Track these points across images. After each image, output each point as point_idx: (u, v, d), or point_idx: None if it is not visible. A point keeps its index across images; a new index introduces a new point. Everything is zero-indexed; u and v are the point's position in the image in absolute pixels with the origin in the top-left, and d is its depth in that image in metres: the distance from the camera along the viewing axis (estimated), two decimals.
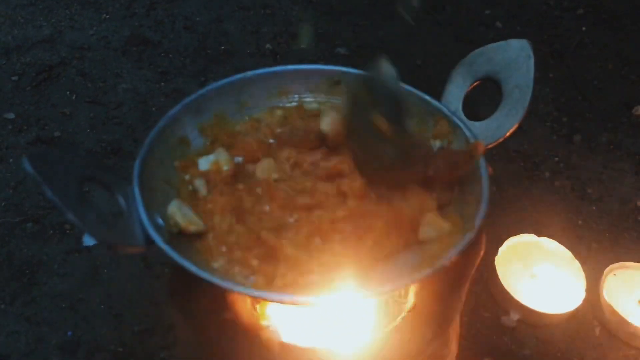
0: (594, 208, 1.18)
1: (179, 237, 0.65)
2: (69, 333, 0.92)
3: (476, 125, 0.73)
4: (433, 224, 0.66)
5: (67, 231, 1.05)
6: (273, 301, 0.58)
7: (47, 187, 0.54)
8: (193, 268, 0.58)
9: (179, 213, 0.66)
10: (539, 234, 1.07)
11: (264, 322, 0.71)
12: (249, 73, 0.80)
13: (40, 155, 0.58)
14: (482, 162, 0.69)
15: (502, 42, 0.73)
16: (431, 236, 0.66)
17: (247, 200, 0.67)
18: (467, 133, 0.72)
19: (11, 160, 1.17)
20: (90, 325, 0.93)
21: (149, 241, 0.60)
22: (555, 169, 1.26)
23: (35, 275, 0.99)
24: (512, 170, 1.24)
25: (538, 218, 1.15)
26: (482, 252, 0.73)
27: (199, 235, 0.66)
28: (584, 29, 1.59)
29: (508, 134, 0.71)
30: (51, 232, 1.05)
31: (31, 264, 1.00)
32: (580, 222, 1.16)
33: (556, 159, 1.28)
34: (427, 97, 0.76)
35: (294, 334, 0.70)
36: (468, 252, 0.70)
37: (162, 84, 1.37)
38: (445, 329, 0.72)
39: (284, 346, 0.67)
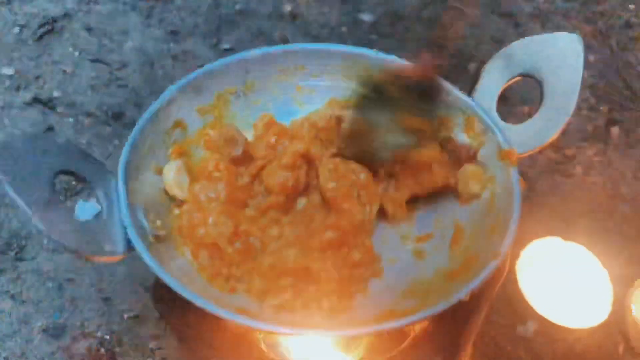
0: (627, 209, 1.09)
1: (166, 240, 0.58)
2: (55, 315, 0.87)
3: (511, 129, 0.64)
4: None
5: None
6: (262, 330, 0.51)
7: (9, 185, 0.47)
8: (174, 284, 0.51)
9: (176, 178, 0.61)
10: (566, 237, 0.99)
11: (257, 337, 0.64)
12: (257, 51, 0.71)
13: (8, 145, 0.51)
14: (514, 174, 0.61)
15: (548, 35, 0.63)
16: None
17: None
18: (500, 137, 0.63)
19: (6, 120, 1.10)
20: (78, 308, 0.88)
21: (130, 247, 0.54)
22: (589, 164, 1.16)
23: (24, 250, 0.93)
24: (541, 162, 1.15)
25: (566, 218, 1.06)
26: (505, 272, 0.65)
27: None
28: (631, 7, 1.46)
29: (546, 143, 0.63)
30: None
31: (20, 236, 0.94)
32: (611, 224, 1.07)
33: (590, 152, 1.18)
34: (457, 92, 0.67)
35: (290, 351, 0.64)
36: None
37: (172, 44, 1.29)
38: (456, 357, 0.65)
39: None
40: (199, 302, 0.49)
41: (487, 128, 0.64)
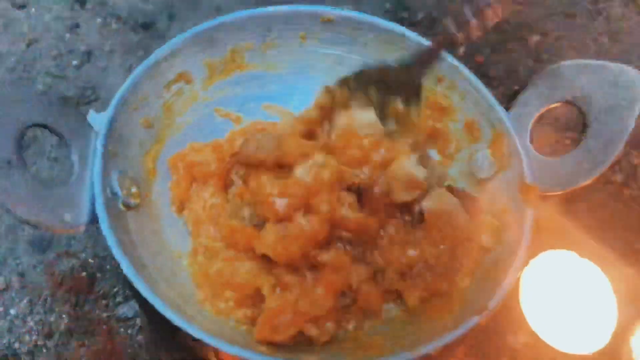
0: None
1: (140, 209, 0.54)
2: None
3: (541, 161, 0.57)
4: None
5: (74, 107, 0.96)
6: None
7: None
8: (133, 276, 0.47)
9: None
10: (583, 253, 0.92)
11: None
12: (283, 8, 0.64)
13: None
14: (528, 218, 0.54)
15: (608, 64, 0.54)
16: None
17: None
18: (525, 168, 0.56)
19: (33, 9, 1.06)
20: None
21: (96, 217, 0.50)
22: (631, 174, 1.07)
23: (25, 154, 0.91)
24: None
25: (589, 231, 0.99)
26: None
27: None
28: None
29: (576, 186, 0.55)
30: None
31: (24, 136, 0.92)
32: (638, 246, 0.99)
33: (636, 161, 1.08)
34: (492, 100, 0.60)
35: None
36: None
37: None
38: None
39: None
40: (142, 291, 0.46)
41: (513, 151, 0.57)
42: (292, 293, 0.51)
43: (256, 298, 0.52)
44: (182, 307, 0.49)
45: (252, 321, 0.52)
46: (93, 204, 0.49)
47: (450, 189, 0.59)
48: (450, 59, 0.61)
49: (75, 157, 0.50)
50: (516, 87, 0.63)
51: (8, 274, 0.82)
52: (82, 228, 0.49)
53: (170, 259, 0.54)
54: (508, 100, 0.60)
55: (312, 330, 0.51)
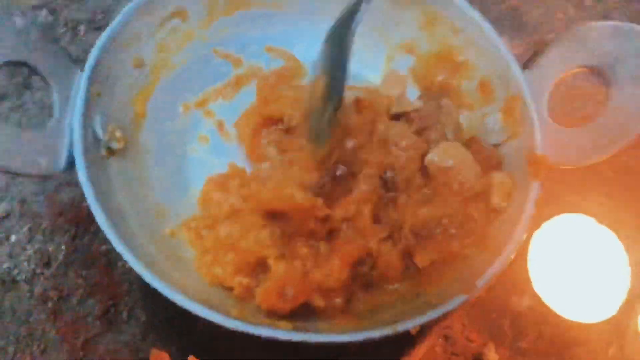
0: None
1: (124, 155, 0.52)
2: None
3: (556, 130, 0.53)
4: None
5: (81, 36, 0.93)
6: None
7: None
8: (110, 234, 0.46)
9: None
10: (602, 219, 0.88)
11: None
12: None
13: None
14: (533, 192, 0.50)
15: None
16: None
17: None
18: (537, 136, 0.52)
19: None
20: None
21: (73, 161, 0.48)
22: None
23: (29, 81, 0.89)
24: None
25: (610, 195, 0.94)
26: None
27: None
28: None
29: (589, 162, 0.51)
30: (63, 30, 0.93)
31: (27, 65, 0.90)
32: None
33: None
34: (510, 59, 0.55)
35: None
36: None
37: None
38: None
39: None
40: (119, 248, 0.45)
41: (527, 118, 0.53)
42: (303, 263, 0.49)
43: (257, 267, 0.50)
44: (161, 263, 0.47)
45: (246, 290, 0.49)
46: (72, 149, 0.47)
47: (473, 140, 0.55)
48: (467, 8, 0.56)
49: (55, 98, 0.48)
50: (551, 36, 0.57)
51: (10, 201, 0.82)
52: (59, 173, 0.47)
53: (154, 210, 0.52)
54: (534, 55, 0.55)
55: (319, 301, 0.49)
